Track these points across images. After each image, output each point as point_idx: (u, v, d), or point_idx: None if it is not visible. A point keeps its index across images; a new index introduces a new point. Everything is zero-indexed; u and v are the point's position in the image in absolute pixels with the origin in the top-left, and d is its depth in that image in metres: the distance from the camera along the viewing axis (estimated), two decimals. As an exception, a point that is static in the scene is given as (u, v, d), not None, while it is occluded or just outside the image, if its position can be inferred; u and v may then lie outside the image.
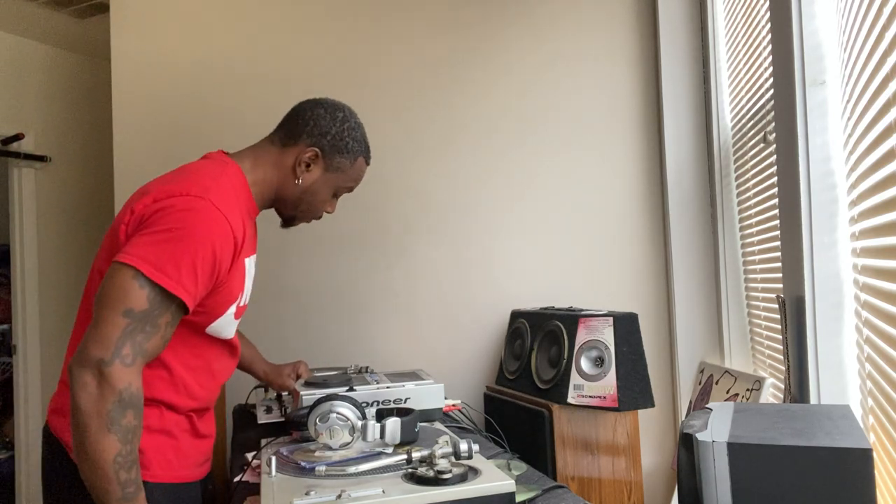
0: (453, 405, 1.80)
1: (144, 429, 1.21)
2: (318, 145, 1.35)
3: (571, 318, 1.93)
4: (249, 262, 1.34)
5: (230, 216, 1.19)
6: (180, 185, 1.19)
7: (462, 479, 0.99)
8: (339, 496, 0.94)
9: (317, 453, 1.16)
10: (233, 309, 1.28)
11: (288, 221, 1.47)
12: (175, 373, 1.26)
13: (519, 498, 1.18)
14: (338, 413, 1.17)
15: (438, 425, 1.43)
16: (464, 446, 1.05)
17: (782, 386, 1.62)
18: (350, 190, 1.46)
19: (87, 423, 1.06)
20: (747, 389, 1.87)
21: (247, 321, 2.35)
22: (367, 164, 1.46)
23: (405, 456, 1.06)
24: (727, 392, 1.98)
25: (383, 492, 0.95)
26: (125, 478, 1.07)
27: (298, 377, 1.78)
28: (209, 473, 1.45)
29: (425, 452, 1.05)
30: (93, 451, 1.06)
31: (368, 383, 1.65)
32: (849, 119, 1.31)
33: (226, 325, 1.30)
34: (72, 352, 1.24)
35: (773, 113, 1.57)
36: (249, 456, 1.52)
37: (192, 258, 1.13)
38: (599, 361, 1.85)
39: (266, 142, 1.39)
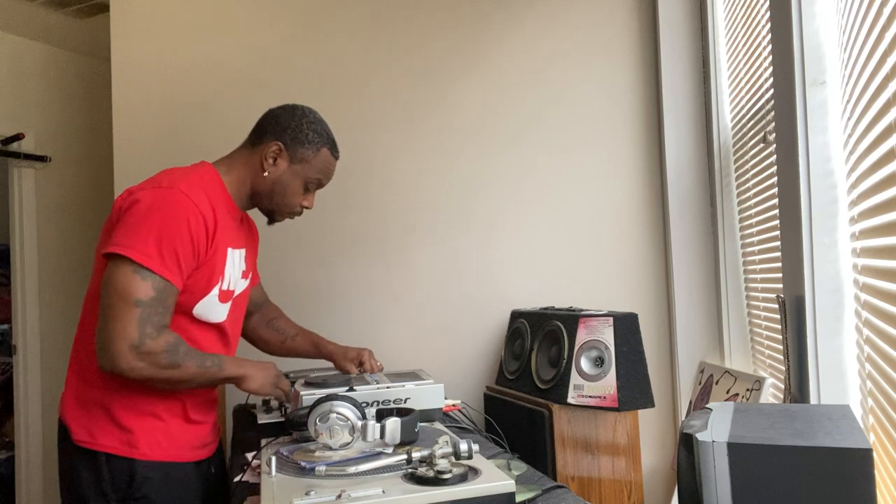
0: (453, 405, 1.79)
1: (134, 410, 1.36)
2: (280, 139, 1.49)
3: (571, 318, 1.93)
4: (232, 253, 1.46)
5: (198, 201, 1.35)
6: (152, 182, 1.38)
7: (462, 479, 0.98)
8: (339, 496, 0.94)
9: (317, 453, 1.16)
10: (216, 291, 1.41)
11: (269, 217, 1.59)
12: None
13: (519, 498, 1.18)
14: (338, 413, 1.17)
15: (438, 425, 1.43)
16: (464, 446, 1.05)
17: (782, 386, 1.62)
18: (320, 183, 1.56)
19: (167, 379, 1.31)
20: (747, 389, 1.87)
21: (247, 321, 2.35)
22: (335, 157, 1.57)
23: (405, 456, 1.06)
24: (727, 392, 1.98)
25: (383, 492, 0.95)
26: (209, 365, 1.36)
27: (361, 364, 1.78)
28: (212, 457, 1.55)
29: (425, 452, 1.05)
30: (189, 380, 1.34)
31: (368, 383, 1.65)
32: (849, 119, 1.31)
33: (212, 308, 1.42)
34: (78, 342, 1.42)
35: (773, 113, 1.57)
36: (249, 456, 1.52)
37: (170, 240, 1.30)
38: (599, 361, 1.85)
39: (239, 148, 1.56)
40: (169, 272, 1.29)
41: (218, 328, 1.47)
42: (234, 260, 1.48)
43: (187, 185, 1.36)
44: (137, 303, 1.26)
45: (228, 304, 1.48)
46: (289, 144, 1.49)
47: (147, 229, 1.28)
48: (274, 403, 1.79)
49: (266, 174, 1.49)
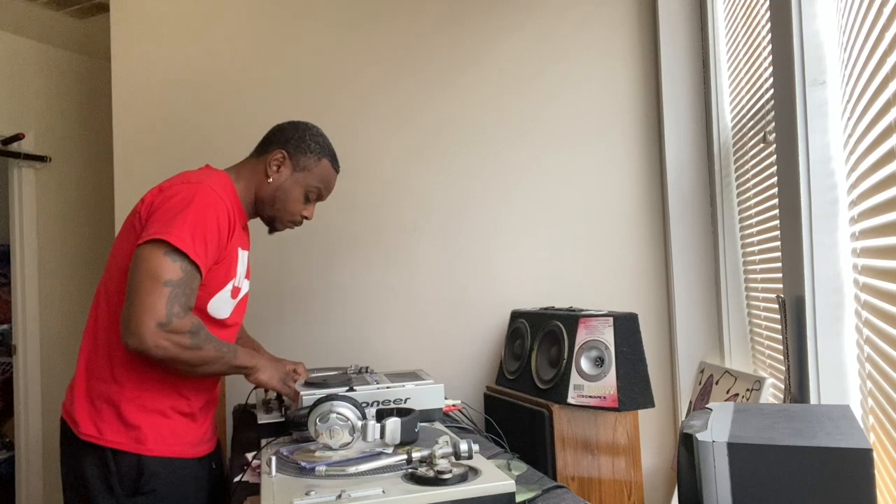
0: (453, 405, 1.79)
1: (141, 408, 1.40)
2: (283, 148, 1.58)
3: (571, 318, 1.93)
4: (242, 253, 1.54)
5: (224, 197, 1.44)
6: (181, 178, 1.46)
7: (462, 479, 0.99)
8: (339, 496, 0.94)
9: (317, 453, 1.16)
10: (230, 287, 1.48)
11: (269, 224, 1.65)
12: None
13: (519, 498, 1.18)
14: (338, 413, 1.17)
15: (438, 425, 1.43)
16: (464, 446, 1.05)
17: (782, 386, 1.62)
18: (320, 194, 1.63)
19: (188, 360, 1.34)
20: (747, 389, 1.87)
21: (247, 321, 2.35)
22: (335, 169, 1.64)
23: (405, 456, 1.06)
24: (727, 392, 1.98)
25: (383, 492, 0.95)
26: (225, 350, 1.42)
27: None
28: (212, 453, 1.58)
29: (425, 452, 1.05)
30: (207, 364, 1.38)
31: (368, 383, 1.65)
32: (849, 119, 1.31)
33: (224, 303, 1.48)
34: (88, 338, 1.45)
35: (773, 113, 1.57)
36: (249, 456, 1.52)
37: (202, 229, 1.36)
38: (599, 361, 1.85)
39: (246, 158, 1.63)
40: (197, 257, 1.34)
41: (223, 325, 1.51)
42: (242, 260, 1.55)
43: (213, 183, 1.45)
44: (167, 282, 1.30)
45: (236, 302, 1.52)
46: (292, 153, 1.57)
47: (182, 218, 1.34)
48: (274, 404, 1.79)
49: (270, 180, 1.56)
